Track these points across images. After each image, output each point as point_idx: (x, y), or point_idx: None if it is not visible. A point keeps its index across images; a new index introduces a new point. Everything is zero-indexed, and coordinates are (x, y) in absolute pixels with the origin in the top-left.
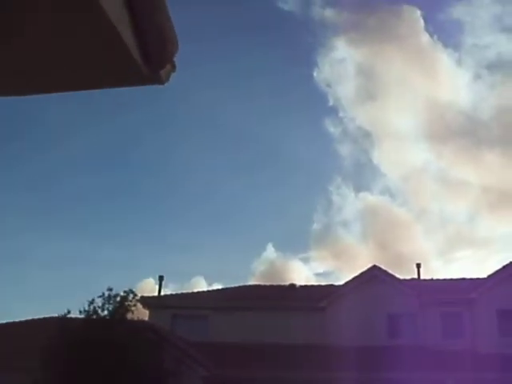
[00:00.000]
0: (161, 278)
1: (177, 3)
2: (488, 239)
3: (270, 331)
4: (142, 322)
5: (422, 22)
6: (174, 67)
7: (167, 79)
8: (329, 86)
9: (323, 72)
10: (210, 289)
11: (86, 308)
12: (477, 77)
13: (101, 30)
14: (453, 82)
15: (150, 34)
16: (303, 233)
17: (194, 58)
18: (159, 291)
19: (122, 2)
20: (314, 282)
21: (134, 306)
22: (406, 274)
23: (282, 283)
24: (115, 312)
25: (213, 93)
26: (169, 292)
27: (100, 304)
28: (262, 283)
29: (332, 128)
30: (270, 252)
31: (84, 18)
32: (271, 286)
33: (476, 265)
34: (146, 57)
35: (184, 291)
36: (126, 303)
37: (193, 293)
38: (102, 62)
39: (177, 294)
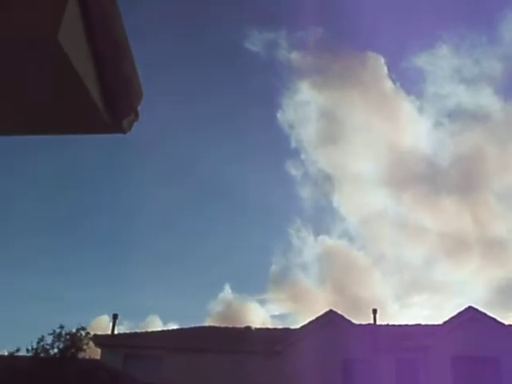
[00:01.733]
0: (115, 316)
1: (137, 39)
2: (444, 285)
3: (225, 374)
4: (94, 361)
5: (385, 69)
6: (137, 116)
7: (129, 128)
8: (292, 128)
9: (287, 114)
10: (165, 328)
11: (35, 346)
12: (437, 124)
13: (66, 79)
14: (414, 129)
15: (116, 84)
16: (261, 274)
17: (156, 99)
18: (113, 330)
19: (89, 52)
20: (270, 324)
21: (86, 344)
22: (362, 318)
23: (239, 325)
24: (66, 350)
25: (175, 133)
26: (123, 330)
27: (50, 342)
28: (218, 324)
29: (294, 170)
30: (227, 293)
31: (50, 68)
32: (227, 328)
33: (432, 310)
34: (109, 106)
35: (138, 330)
36: (78, 342)
37: (147, 332)
38: (66, 110)
39: (130, 333)
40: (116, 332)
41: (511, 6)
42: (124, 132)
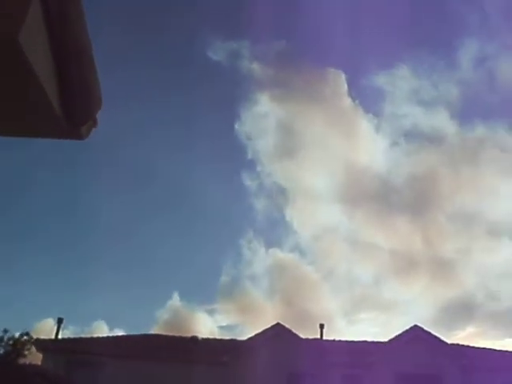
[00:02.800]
0: (60, 321)
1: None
2: (392, 303)
3: (169, 383)
4: (33, 366)
5: (345, 85)
6: (95, 123)
7: (87, 135)
8: (249, 139)
9: (245, 125)
10: (111, 335)
11: None
12: (393, 144)
13: (25, 81)
14: (370, 147)
15: (76, 91)
16: (211, 284)
17: (116, 103)
18: (57, 334)
19: (51, 56)
20: (217, 334)
21: (28, 349)
22: (310, 333)
23: (185, 334)
24: (6, 356)
25: (133, 139)
26: (68, 335)
27: None
28: (164, 333)
29: (249, 181)
30: (176, 301)
31: (9, 69)
32: (173, 337)
33: (379, 327)
34: (68, 112)
35: (83, 335)
36: (20, 347)
37: (92, 338)
38: (23, 113)
39: (74, 338)
40: (60, 337)
41: (469, 34)
42: (82, 138)
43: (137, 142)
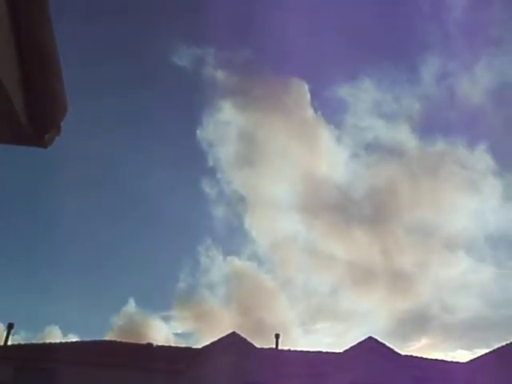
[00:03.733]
0: (10, 326)
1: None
2: (348, 313)
3: None
4: None
5: (308, 96)
6: (59, 131)
7: (51, 143)
8: (210, 146)
9: (206, 131)
10: (64, 341)
11: None
12: (354, 156)
13: None
14: (331, 158)
15: (41, 99)
16: (167, 291)
17: (73, 104)
18: (6, 340)
19: (17, 64)
20: (173, 341)
21: None
22: (265, 342)
23: (141, 341)
24: None
25: (93, 142)
26: (19, 340)
27: None
28: (119, 339)
29: (208, 188)
30: (131, 307)
31: None
32: (128, 344)
33: (334, 338)
34: (33, 120)
35: (35, 341)
36: None
37: (44, 343)
38: None
39: (25, 344)
40: (10, 343)
41: (432, 51)
42: (45, 146)
43: (97, 145)
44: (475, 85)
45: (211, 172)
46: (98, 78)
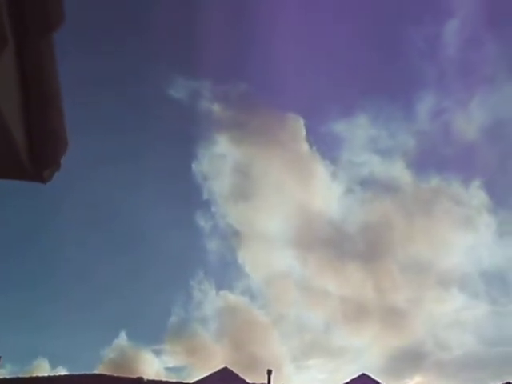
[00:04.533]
0: None
1: None
2: (342, 349)
3: None
4: None
5: (304, 131)
6: (58, 167)
7: (50, 179)
8: (205, 179)
9: (202, 165)
10: (52, 374)
11: None
12: (349, 191)
13: None
14: (325, 194)
15: (42, 137)
16: (159, 324)
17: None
18: None
19: (20, 102)
20: (164, 376)
21: None
22: (257, 378)
23: (131, 374)
24: None
25: (89, 177)
26: (4, 375)
27: None
28: (109, 373)
29: (202, 222)
30: (122, 340)
31: None
32: (118, 378)
33: (328, 374)
34: (33, 156)
35: (21, 375)
36: None
37: (30, 377)
38: None
39: (11, 379)
40: None
41: (427, 88)
42: (44, 182)
43: (91, 180)
44: (470, 122)
45: (206, 205)
46: (95, 115)
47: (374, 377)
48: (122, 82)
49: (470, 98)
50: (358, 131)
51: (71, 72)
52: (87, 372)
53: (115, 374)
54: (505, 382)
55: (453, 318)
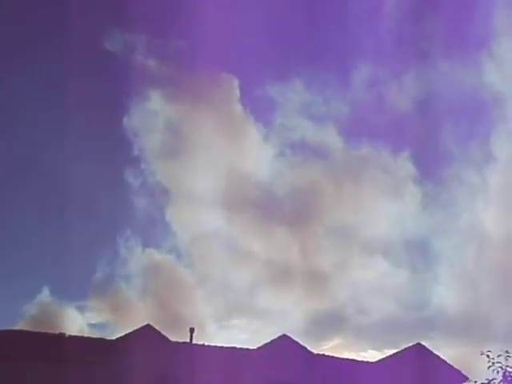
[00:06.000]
0: None
1: None
2: (265, 311)
3: (32, 382)
4: None
5: (238, 92)
6: None
7: None
8: (136, 135)
9: (133, 120)
10: None
11: None
12: (279, 155)
13: None
14: (256, 156)
15: None
16: (84, 281)
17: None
18: None
19: None
20: (87, 332)
21: None
22: (180, 336)
23: (54, 330)
24: None
25: (17, 125)
26: None
27: None
28: (30, 329)
29: (131, 178)
30: (45, 296)
31: None
32: (39, 334)
33: (250, 335)
34: None
35: None
36: None
37: None
38: None
39: None
40: None
41: (364, 58)
42: None
43: (15, 133)
44: (403, 94)
45: (136, 162)
46: (22, 61)
47: (294, 338)
48: (56, 32)
49: (405, 71)
50: (292, 96)
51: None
52: (6, 328)
53: (35, 330)
54: (415, 342)
55: (375, 283)
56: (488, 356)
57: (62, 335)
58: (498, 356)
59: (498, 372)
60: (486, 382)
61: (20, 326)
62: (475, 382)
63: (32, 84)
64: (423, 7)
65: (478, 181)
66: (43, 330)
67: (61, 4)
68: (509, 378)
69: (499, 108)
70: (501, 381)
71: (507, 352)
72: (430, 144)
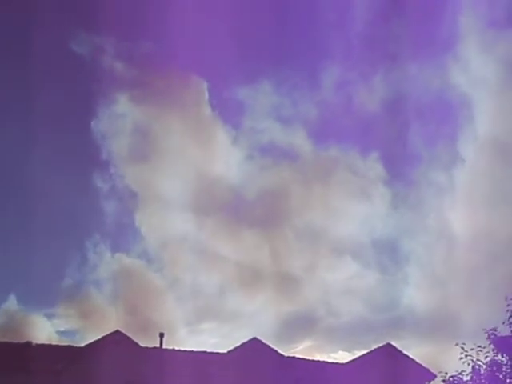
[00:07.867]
0: None
1: None
2: (235, 314)
3: None
4: None
5: (206, 94)
6: None
7: None
8: (104, 138)
9: (101, 124)
10: None
11: None
12: (248, 158)
13: None
14: (225, 159)
15: None
16: (52, 287)
17: None
18: None
19: None
20: (56, 340)
21: None
22: (150, 341)
23: (22, 339)
24: None
25: None
26: None
27: None
28: None
29: (100, 182)
30: (12, 304)
31: None
32: (4, 343)
33: (220, 339)
34: None
35: None
36: None
37: None
38: None
39: None
40: None
41: (333, 59)
42: None
43: None
44: (372, 95)
45: (104, 165)
46: None
47: (264, 341)
48: (22, 33)
49: (374, 73)
50: (261, 98)
51: None
52: None
53: (2, 340)
54: (385, 343)
55: (345, 285)
56: (462, 348)
57: (28, 344)
58: (471, 349)
59: (468, 364)
60: (456, 373)
61: None
62: (446, 373)
63: None
64: (391, 10)
65: (445, 181)
66: (10, 340)
67: (27, 5)
68: (477, 371)
69: (466, 109)
70: (470, 373)
71: (479, 347)
72: (399, 145)
